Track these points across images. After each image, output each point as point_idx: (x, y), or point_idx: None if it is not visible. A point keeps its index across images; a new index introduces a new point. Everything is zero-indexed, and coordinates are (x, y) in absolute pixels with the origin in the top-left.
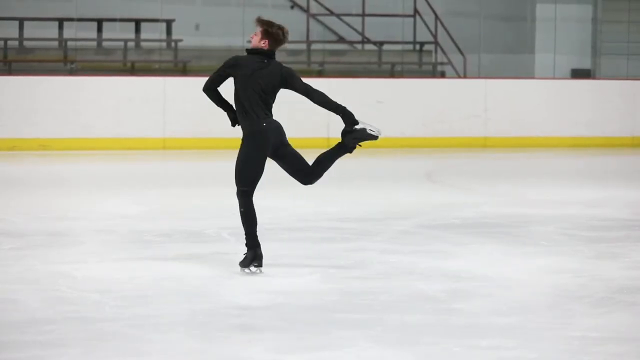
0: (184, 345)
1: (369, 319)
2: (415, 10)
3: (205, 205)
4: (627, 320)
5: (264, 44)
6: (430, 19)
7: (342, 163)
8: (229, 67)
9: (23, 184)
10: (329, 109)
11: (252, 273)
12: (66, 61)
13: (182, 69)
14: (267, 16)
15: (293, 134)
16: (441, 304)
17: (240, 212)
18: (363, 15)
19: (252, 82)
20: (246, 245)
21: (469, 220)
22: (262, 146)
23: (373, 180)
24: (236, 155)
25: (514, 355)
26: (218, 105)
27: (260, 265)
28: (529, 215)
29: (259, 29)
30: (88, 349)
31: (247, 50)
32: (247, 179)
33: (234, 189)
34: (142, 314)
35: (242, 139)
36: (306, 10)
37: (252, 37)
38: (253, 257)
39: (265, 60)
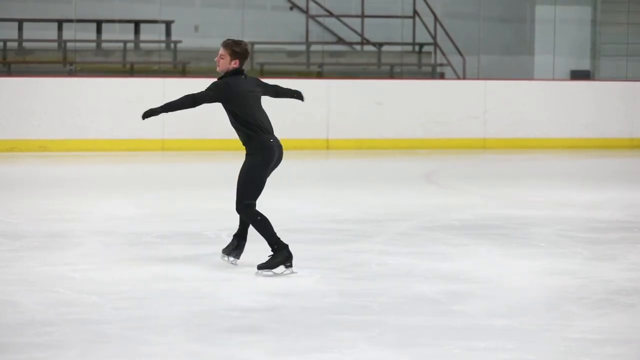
0: (183, 347)
1: (368, 321)
2: (415, 12)
3: (204, 206)
4: (626, 321)
5: (235, 64)
6: (429, 20)
7: (341, 164)
8: (224, 91)
9: (22, 185)
10: (287, 96)
11: (290, 274)
12: (65, 62)
13: (181, 70)
14: (266, 18)
15: (293, 135)
16: (440, 306)
17: (257, 221)
18: (362, 16)
19: (253, 99)
20: (274, 249)
21: (468, 222)
22: (269, 161)
23: (372, 181)
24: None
25: (513, 356)
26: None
27: (291, 265)
28: (528, 217)
29: (224, 51)
30: (86, 350)
31: (223, 74)
32: (254, 193)
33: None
34: (140, 315)
35: (249, 155)
36: (305, 12)
37: (218, 61)
38: (287, 256)
39: (244, 77)
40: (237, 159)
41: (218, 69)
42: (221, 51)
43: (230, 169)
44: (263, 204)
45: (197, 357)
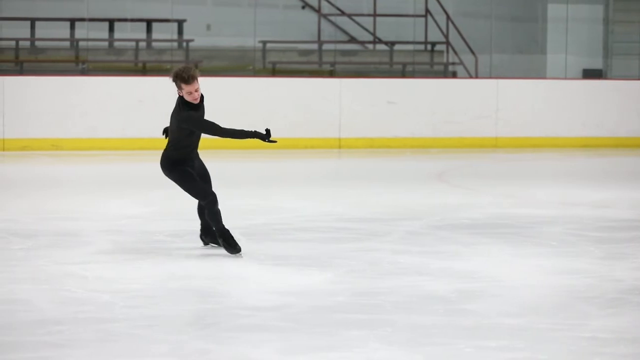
0: (193, 345)
1: (379, 320)
2: (427, 10)
3: None
4: (637, 320)
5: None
6: (441, 19)
7: (352, 163)
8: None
9: (33, 184)
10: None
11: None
12: (77, 61)
13: None
14: (279, 16)
15: (305, 134)
16: (451, 305)
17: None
18: (374, 15)
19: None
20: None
21: (479, 221)
22: None
23: (383, 180)
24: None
25: (524, 356)
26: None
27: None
28: (539, 216)
29: (197, 83)
30: (97, 349)
31: (192, 104)
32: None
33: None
34: (151, 314)
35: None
36: (317, 11)
37: (195, 92)
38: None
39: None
40: (238, 158)
41: (197, 101)
42: (197, 85)
43: (236, 167)
44: (272, 204)
45: (206, 356)
